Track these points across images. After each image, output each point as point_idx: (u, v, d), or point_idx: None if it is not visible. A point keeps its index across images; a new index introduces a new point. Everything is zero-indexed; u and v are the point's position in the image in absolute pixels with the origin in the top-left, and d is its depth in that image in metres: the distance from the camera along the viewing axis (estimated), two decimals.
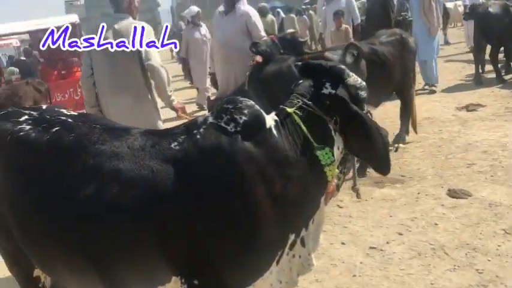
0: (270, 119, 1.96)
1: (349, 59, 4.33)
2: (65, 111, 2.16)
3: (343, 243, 3.52)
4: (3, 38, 13.18)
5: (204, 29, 9.33)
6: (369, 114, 2.11)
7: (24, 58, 10.76)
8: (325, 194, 2.09)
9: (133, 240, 1.84)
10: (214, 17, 5.50)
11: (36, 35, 10.68)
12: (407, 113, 5.45)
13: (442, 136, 5.65)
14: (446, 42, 14.35)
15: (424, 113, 6.59)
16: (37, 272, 2.25)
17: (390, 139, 5.57)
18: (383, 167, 2.15)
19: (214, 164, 1.84)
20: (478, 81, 8.20)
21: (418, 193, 4.19)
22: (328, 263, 3.26)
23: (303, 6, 18.54)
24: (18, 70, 10.86)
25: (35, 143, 1.98)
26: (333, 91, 2.00)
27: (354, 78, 2.05)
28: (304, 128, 1.96)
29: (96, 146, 1.93)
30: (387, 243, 3.44)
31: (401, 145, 5.38)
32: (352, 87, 2.03)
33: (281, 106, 2.04)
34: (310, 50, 5.44)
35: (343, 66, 2.10)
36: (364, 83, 2.09)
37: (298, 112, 1.98)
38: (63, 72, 10.66)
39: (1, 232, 2.11)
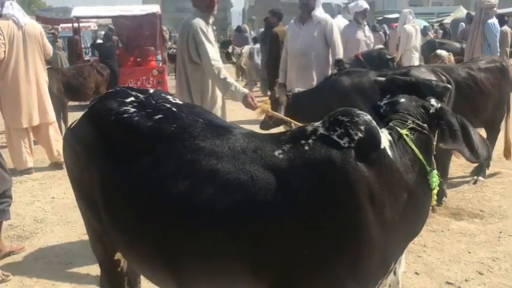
0: (385, 139, 1.81)
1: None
2: (171, 98, 2.11)
3: (416, 273, 3.32)
4: (84, 20, 13.71)
5: (367, 31, 7.78)
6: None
7: (103, 41, 11.10)
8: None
9: (220, 246, 1.72)
10: (290, 27, 5.63)
11: (118, 21, 11.01)
12: (492, 146, 5.13)
13: None
14: None
15: None
16: (118, 256, 2.22)
17: (470, 169, 5.31)
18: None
19: (322, 180, 1.68)
20: None
21: (500, 232, 3.91)
22: None
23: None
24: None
25: (136, 127, 1.93)
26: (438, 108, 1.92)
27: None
28: (417, 151, 1.83)
29: (196, 142, 1.84)
30: (466, 280, 3.22)
31: (481, 178, 5.08)
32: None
33: (391, 124, 1.90)
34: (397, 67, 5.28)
35: (449, 86, 2.03)
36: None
37: (409, 134, 1.85)
38: (138, 59, 10.95)
39: (92, 211, 2.10)
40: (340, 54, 5.24)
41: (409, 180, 1.79)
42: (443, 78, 4.21)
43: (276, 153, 1.76)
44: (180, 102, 2.10)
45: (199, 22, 3.61)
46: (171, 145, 1.86)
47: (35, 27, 5.83)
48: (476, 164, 5.12)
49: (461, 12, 23.41)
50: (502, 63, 5.06)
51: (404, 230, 1.81)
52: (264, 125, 4.26)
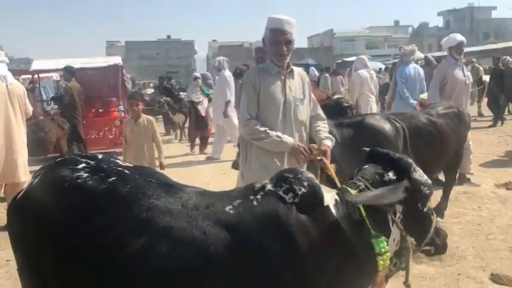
0: (330, 197, 1.94)
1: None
2: (120, 162, 2.16)
3: None
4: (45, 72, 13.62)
5: (466, 69, 6.88)
6: (430, 211, 2.16)
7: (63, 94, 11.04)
8: (373, 284, 2.02)
9: None
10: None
11: (79, 73, 11.00)
12: (450, 189, 5.31)
13: (481, 214, 5.47)
14: (480, 115, 14.24)
15: (461, 186, 6.44)
16: None
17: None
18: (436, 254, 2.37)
19: (268, 233, 1.80)
20: None
21: (459, 274, 4.00)
22: None
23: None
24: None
25: (91, 191, 1.96)
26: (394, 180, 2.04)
27: (419, 174, 2.08)
28: (363, 212, 1.93)
29: (150, 201, 1.90)
30: None
31: (439, 219, 5.19)
32: (416, 182, 2.04)
33: (343, 186, 2.03)
34: (353, 114, 5.44)
35: (410, 160, 2.12)
36: (429, 181, 2.13)
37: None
38: (100, 110, 10.91)
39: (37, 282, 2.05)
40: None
41: (352, 239, 1.87)
42: (397, 125, 4.37)
43: (227, 208, 1.87)
44: (130, 165, 2.14)
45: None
46: (127, 205, 1.91)
47: (19, 86, 5.88)
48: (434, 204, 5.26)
49: (417, 54, 24.52)
50: (458, 108, 5.26)
51: (346, 286, 1.87)
52: (236, 165, 4.29)
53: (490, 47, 32.72)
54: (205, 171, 8.65)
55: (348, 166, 3.97)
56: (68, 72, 9.50)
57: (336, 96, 7.51)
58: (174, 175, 2.48)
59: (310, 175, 1.99)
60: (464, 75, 6.55)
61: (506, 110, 14.21)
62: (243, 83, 3.52)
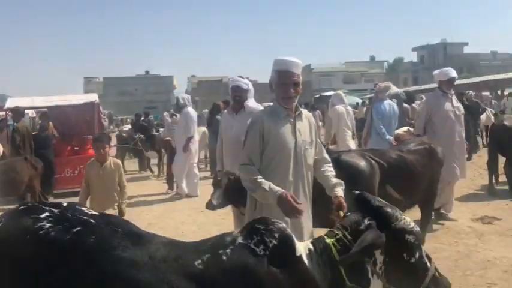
0: (303, 247, 1.91)
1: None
2: (86, 210, 2.09)
3: None
4: None
5: (455, 101, 6.79)
6: (423, 261, 2.06)
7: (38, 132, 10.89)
8: None
9: None
10: (223, 116, 5.81)
11: (54, 111, 10.91)
12: (426, 224, 5.32)
13: (458, 249, 5.47)
14: None
15: (438, 220, 6.47)
16: None
17: None
18: None
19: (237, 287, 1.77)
20: (492, 192, 8.15)
21: None
22: None
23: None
24: None
25: (53, 243, 1.88)
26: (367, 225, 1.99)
27: (404, 222, 2.01)
28: (338, 259, 1.90)
29: (116, 252, 1.84)
30: None
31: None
32: (399, 231, 1.98)
33: (322, 235, 2.00)
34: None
35: (391, 211, 2.03)
36: (416, 229, 2.05)
37: (337, 244, 1.94)
38: (76, 148, 10.77)
39: None
40: None
41: None
42: (372, 162, 4.38)
43: (196, 263, 1.81)
44: (96, 213, 2.07)
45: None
46: (92, 257, 1.84)
47: None
48: None
49: (392, 89, 25.06)
50: (430, 145, 5.32)
51: None
52: (210, 205, 4.22)
53: (463, 82, 33.71)
54: (181, 209, 8.52)
55: (325, 204, 3.97)
56: (16, 113, 9.40)
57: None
58: (149, 214, 2.42)
59: (282, 225, 1.96)
60: (454, 107, 6.58)
61: (481, 142, 14.54)
62: (250, 124, 3.37)
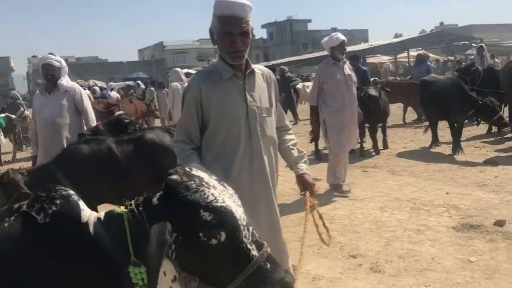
0: (92, 215, 1.81)
1: None
2: None
3: None
4: None
5: (348, 68, 6.62)
6: (248, 248, 1.65)
7: None
8: None
9: None
10: (36, 97, 5.38)
11: None
12: None
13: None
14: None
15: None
16: None
17: None
18: None
19: (12, 258, 1.71)
20: (318, 156, 8.94)
21: None
22: None
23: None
24: None
25: None
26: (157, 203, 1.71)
27: (201, 195, 1.63)
28: (128, 235, 1.71)
29: None
30: None
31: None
32: (191, 205, 1.62)
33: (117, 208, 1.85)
34: (140, 128, 5.41)
35: (179, 179, 1.66)
36: (219, 204, 1.63)
37: (130, 216, 1.74)
38: None
39: None
40: (93, 122, 5.21)
41: (111, 263, 1.73)
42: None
43: None
44: None
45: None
46: None
47: None
48: None
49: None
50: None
51: None
52: None
53: (308, 56, 35.94)
54: None
55: (131, 183, 3.97)
56: None
57: (118, 113, 7.47)
58: None
59: (68, 191, 1.84)
60: (345, 76, 6.45)
61: None
62: (184, 92, 2.76)
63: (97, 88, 19.04)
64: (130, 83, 26.00)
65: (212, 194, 1.65)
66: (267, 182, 2.77)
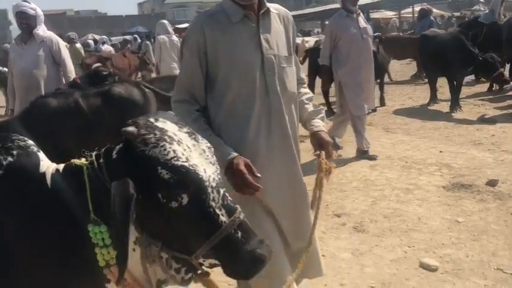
0: (51, 167, 1.65)
1: None
2: None
3: None
4: None
5: (363, 21, 5.96)
6: (216, 212, 1.47)
7: None
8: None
9: None
10: (12, 47, 5.20)
11: None
12: None
13: None
14: None
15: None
16: None
17: None
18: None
19: None
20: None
21: None
22: None
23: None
24: None
25: None
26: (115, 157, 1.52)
27: (161, 151, 1.44)
28: (88, 190, 1.55)
29: None
30: None
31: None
32: (149, 161, 1.44)
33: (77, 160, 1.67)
34: (121, 80, 5.18)
35: (135, 131, 1.47)
36: (179, 163, 1.43)
37: (90, 170, 1.57)
38: None
39: None
40: (72, 74, 5.00)
41: (67, 219, 1.57)
42: (146, 90, 4.32)
43: None
44: None
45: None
46: None
47: None
48: None
49: None
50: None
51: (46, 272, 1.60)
52: None
53: (311, 11, 35.17)
54: None
55: (98, 138, 3.79)
56: None
57: (95, 65, 7.28)
58: None
59: (27, 142, 1.71)
60: (360, 29, 5.76)
61: None
62: (184, 40, 2.41)
63: (91, 42, 18.64)
64: (128, 37, 25.51)
65: (174, 151, 1.45)
66: (290, 148, 2.29)
